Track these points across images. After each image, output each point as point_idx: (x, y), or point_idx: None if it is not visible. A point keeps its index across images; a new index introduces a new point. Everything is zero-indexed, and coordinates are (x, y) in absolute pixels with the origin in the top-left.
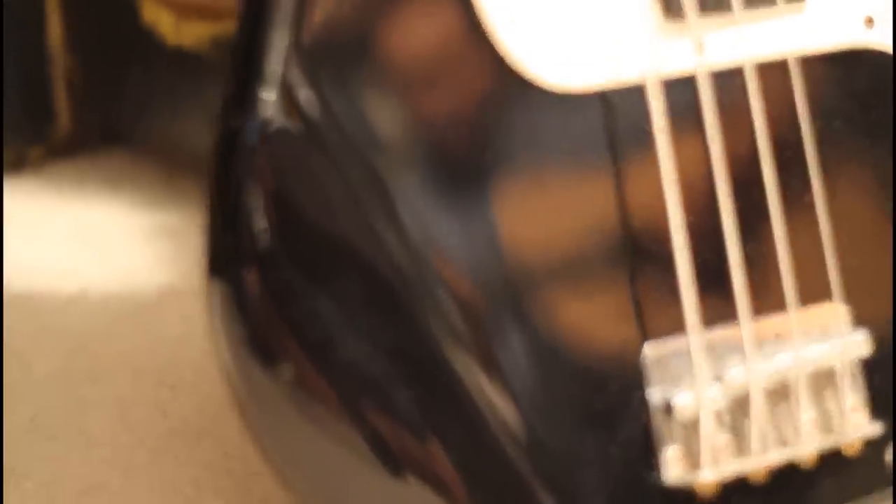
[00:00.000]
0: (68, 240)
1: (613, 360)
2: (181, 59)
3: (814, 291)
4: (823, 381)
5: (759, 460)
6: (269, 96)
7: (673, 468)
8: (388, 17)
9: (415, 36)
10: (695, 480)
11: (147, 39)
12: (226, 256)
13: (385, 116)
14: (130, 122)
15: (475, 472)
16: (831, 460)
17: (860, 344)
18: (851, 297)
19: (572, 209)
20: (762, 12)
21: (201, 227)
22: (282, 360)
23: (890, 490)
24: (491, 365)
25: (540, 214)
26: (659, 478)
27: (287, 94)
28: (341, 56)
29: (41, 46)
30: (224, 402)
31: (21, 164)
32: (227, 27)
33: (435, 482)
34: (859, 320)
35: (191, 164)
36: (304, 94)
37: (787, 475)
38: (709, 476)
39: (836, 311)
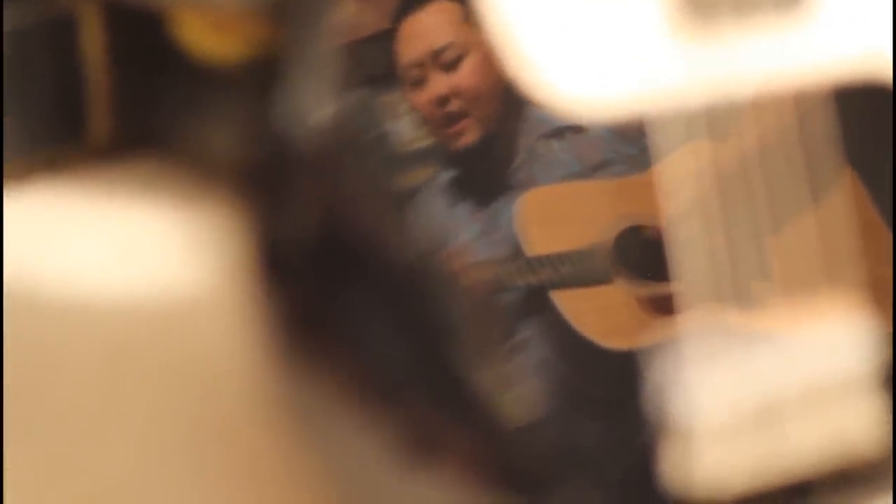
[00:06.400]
0: (102, 245)
1: (618, 356)
2: (214, 69)
3: (824, 291)
4: (833, 387)
5: (764, 474)
6: (323, 110)
7: (674, 478)
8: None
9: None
10: (694, 493)
11: (182, 50)
12: (278, 257)
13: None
14: (166, 129)
15: (495, 465)
16: (843, 473)
17: (874, 347)
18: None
19: (586, 212)
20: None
21: (247, 231)
22: (327, 358)
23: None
24: (507, 359)
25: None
26: (662, 484)
27: (337, 107)
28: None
29: (75, 56)
30: (261, 410)
31: (52, 168)
32: (258, 41)
33: (462, 475)
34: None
35: (225, 171)
36: (352, 110)
37: (796, 489)
38: (708, 491)
39: (848, 312)
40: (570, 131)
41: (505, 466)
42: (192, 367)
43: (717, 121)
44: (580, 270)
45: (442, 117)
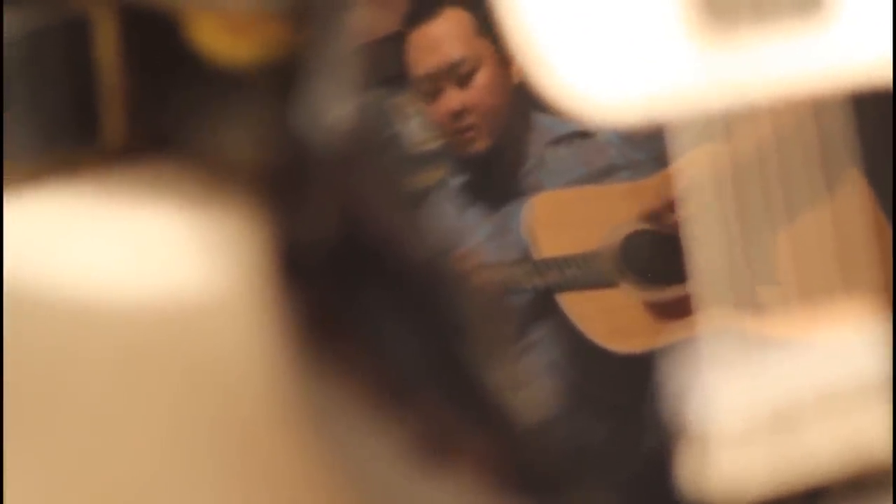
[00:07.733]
0: (117, 247)
1: (623, 359)
2: (228, 71)
3: (835, 293)
4: (849, 393)
5: (778, 479)
6: (339, 112)
7: (688, 482)
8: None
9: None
10: (709, 498)
11: (196, 52)
12: (294, 259)
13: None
14: (180, 131)
15: (507, 466)
16: (859, 479)
17: (888, 352)
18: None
19: (593, 216)
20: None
21: (263, 233)
22: (343, 360)
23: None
24: (518, 359)
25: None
26: (675, 488)
27: (353, 109)
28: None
29: (89, 58)
30: (277, 412)
31: (66, 170)
32: (272, 43)
33: (477, 476)
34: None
35: (240, 173)
36: (367, 112)
37: (811, 495)
38: (722, 496)
39: (862, 317)
40: (578, 137)
41: (518, 467)
42: (209, 369)
43: (733, 124)
44: (585, 273)
45: (454, 129)
